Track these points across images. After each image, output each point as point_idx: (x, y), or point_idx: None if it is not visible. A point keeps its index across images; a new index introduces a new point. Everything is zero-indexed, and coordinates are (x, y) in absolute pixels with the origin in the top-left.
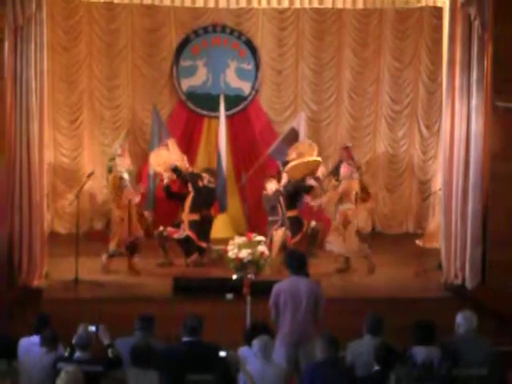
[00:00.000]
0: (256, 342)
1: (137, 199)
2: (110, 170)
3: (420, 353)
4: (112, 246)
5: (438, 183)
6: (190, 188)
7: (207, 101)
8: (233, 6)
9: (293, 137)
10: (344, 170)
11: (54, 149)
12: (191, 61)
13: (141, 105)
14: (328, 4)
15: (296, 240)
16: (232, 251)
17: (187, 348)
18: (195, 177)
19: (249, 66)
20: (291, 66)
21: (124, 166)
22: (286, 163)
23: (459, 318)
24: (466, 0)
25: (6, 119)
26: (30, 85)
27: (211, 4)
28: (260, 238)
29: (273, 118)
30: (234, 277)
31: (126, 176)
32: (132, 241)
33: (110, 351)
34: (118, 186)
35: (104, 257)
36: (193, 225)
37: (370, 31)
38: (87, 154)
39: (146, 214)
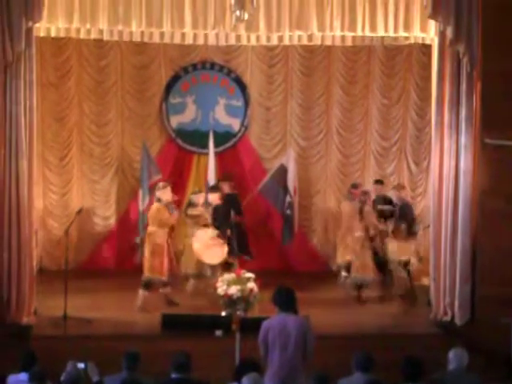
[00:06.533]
0: (245, 379)
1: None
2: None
3: None
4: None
5: (427, 220)
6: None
7: (196, 137)
8: (222, 43)
9: (282, 173)
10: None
11: (43, 185)
12: (180, 98)
13: (130, 142)
14: (317, 41)
15: None
16: (221, 288)
17: None
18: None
19: (238, 103)
20: (280, 102)
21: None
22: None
23: (450, 355)
24: (454, 37)
25: None
26: (20, 121)
27: (200, 41)
28: (249, 274)
29: (262, 154)
30: (223, 313)
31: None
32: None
33: None
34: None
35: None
36: None
37: (359, 68)
38: (76, 191)
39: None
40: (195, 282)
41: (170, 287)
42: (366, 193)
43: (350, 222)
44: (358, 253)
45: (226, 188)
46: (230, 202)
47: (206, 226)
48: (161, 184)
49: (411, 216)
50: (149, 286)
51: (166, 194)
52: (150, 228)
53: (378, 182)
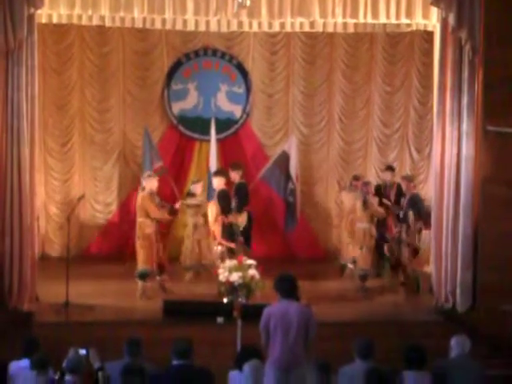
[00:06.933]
0: (246, 366)
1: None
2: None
3: (411, 377)
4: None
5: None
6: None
7: (198, 124)
8: (224, 29)
9: (284, 160)
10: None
11: (45, 172)
12: (182, 84)
13: (132, 128)
14: (319, 28)
15: None
16: (222, 274)
17: (177, 371)
18: None
19: (240, 90)
20: (282, 89)
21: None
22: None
23: (452, 342)
24: (456, 24)
25: None
26: (21, 108)
27: (202, 27)
28: (251, 261)
29: (264, 141)
30: (225, 300)
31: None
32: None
33: (100, 375)
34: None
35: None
36: None
37: (361, 55)
38: (78, 177)
39: None
40: (194, 273)
41: (166, 274)
42: (367, 184)
43: (353, 212)
44: (362, 244)
45: (236, 177)
46: (240, 191)
47: (205, 215)
48: (146, 173)
49: (422, 207)
50: (144, 276)
51: (150, 183)
52: (138, 219)
53: (389, 168)
